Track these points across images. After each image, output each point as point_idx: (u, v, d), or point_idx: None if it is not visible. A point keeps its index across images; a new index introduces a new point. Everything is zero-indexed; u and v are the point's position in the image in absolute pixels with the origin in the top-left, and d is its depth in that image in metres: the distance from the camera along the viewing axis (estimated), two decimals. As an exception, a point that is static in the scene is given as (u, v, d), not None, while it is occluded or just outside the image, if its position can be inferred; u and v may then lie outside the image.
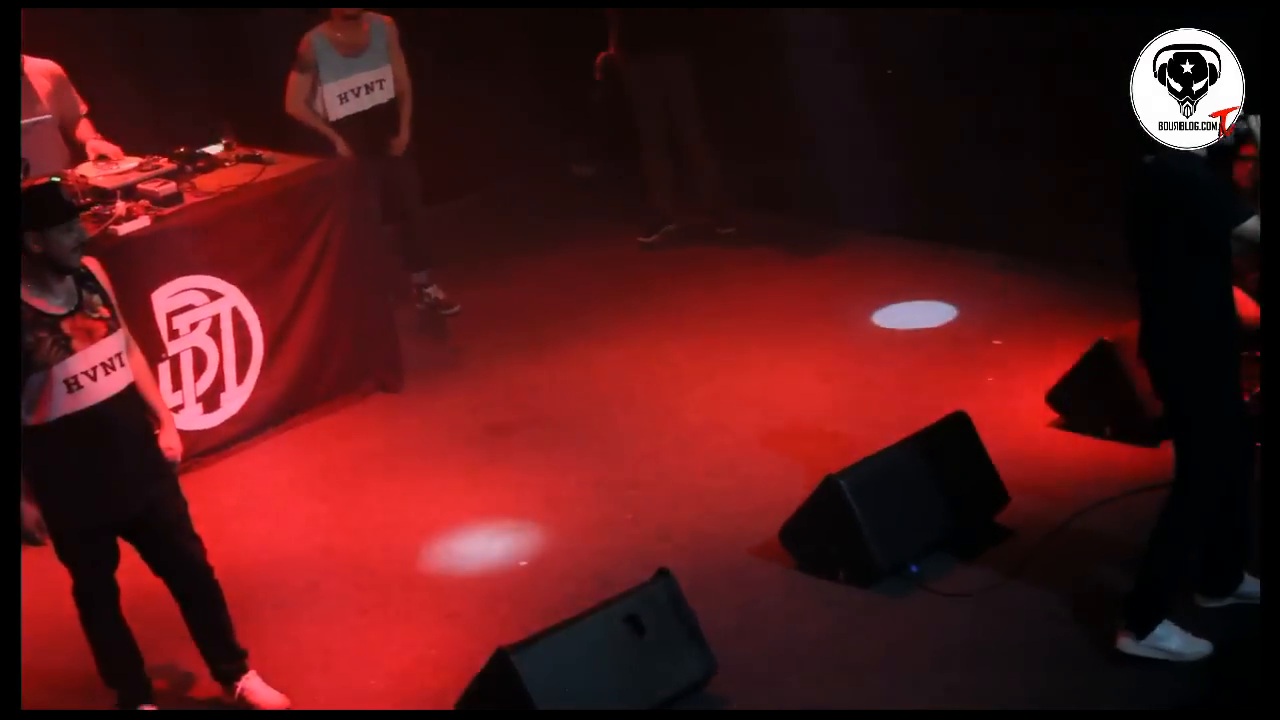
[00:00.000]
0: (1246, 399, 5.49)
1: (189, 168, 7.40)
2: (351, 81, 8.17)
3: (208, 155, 7.53)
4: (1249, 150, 6.07)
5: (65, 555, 5.30)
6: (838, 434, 6.96)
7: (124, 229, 6.81)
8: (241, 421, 7.36)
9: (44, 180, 6.20)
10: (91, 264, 5.23)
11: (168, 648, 5.72)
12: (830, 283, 8.71)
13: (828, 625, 5.74)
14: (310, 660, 5.82)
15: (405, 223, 8.61)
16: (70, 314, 5.07)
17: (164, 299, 7.00)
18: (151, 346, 6.69)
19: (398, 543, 6.54)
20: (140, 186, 7.06)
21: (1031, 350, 7.54)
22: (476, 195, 10.39)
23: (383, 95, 8.29)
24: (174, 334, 7.06)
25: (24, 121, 6.87)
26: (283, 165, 7.53)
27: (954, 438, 6.19)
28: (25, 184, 6.04)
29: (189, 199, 7.13)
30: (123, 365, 5.20)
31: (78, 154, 7.36)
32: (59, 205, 5.11)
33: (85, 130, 7.40)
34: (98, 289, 5.19)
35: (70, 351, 5.03)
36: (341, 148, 8.05)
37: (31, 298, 5.02)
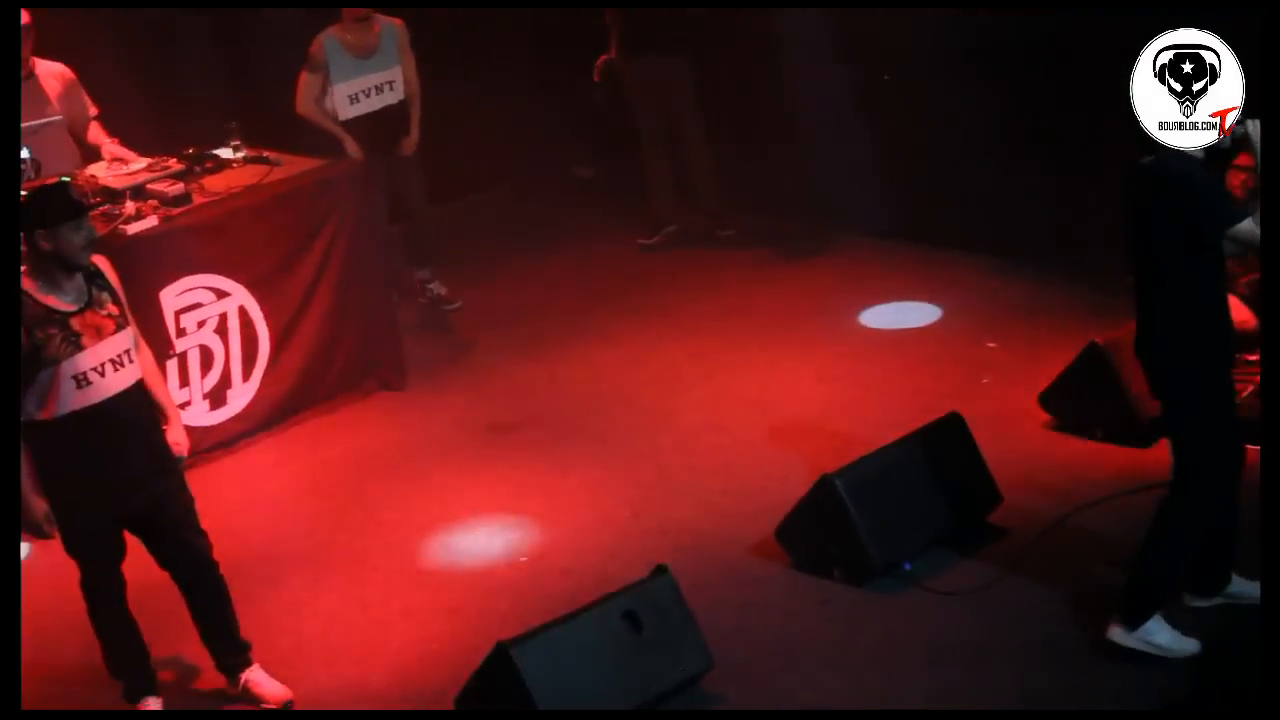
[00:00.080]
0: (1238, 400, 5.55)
1: (197, 168, 7.46)
2: (362, 82, 8.23)
3: (216, 156, 7.59)
4: (1244, 160, 6.13)
5: (72, 548, 5.34)
6: (835, 434, 7.01)
7: (133, 228, 6.86)
8: (247, 418, 7.42)
9: (54, 180, 6.28)
10: (101, 262, 5.27)
11: (173, 640, 5.76)
12: (828, 285, 8.75)
13: (824, 623, 5.78)
14: (313, 654, 5.87)
15: (411, 221, 8.68)
16: (80, 311, 5.11)
17: (172, 297, 7.06)
18: (159, 344, 6.75)
19: (400, 539, 6.59)
20: (149, 187, 7.12)
21: (1024, 352, 7.58)
22: (478, 197, 10.43)
23: (393, 96, 8.35)
24: (181, 332, 7.12)
25: (34, 123, 6.95)
26: (290, 167, 7.59)
27: (949, 438, 6.23)
28: (36, 184, 6.13)
29: (197, 199, 7.18)
30: (131, 362, 5.23)
31: (88, 155, 7.43)
32: (68, 203, 5.15)
33: (96, 132, 7.47)
34: (107, 287, 5.23)
35: (79, 348, 5.06)
36: (351, 147, 8.12)
37: (41, 294, 5.06)
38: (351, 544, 6.60)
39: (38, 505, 5.19)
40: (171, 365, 7.05)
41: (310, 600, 6.23)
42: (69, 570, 5.43)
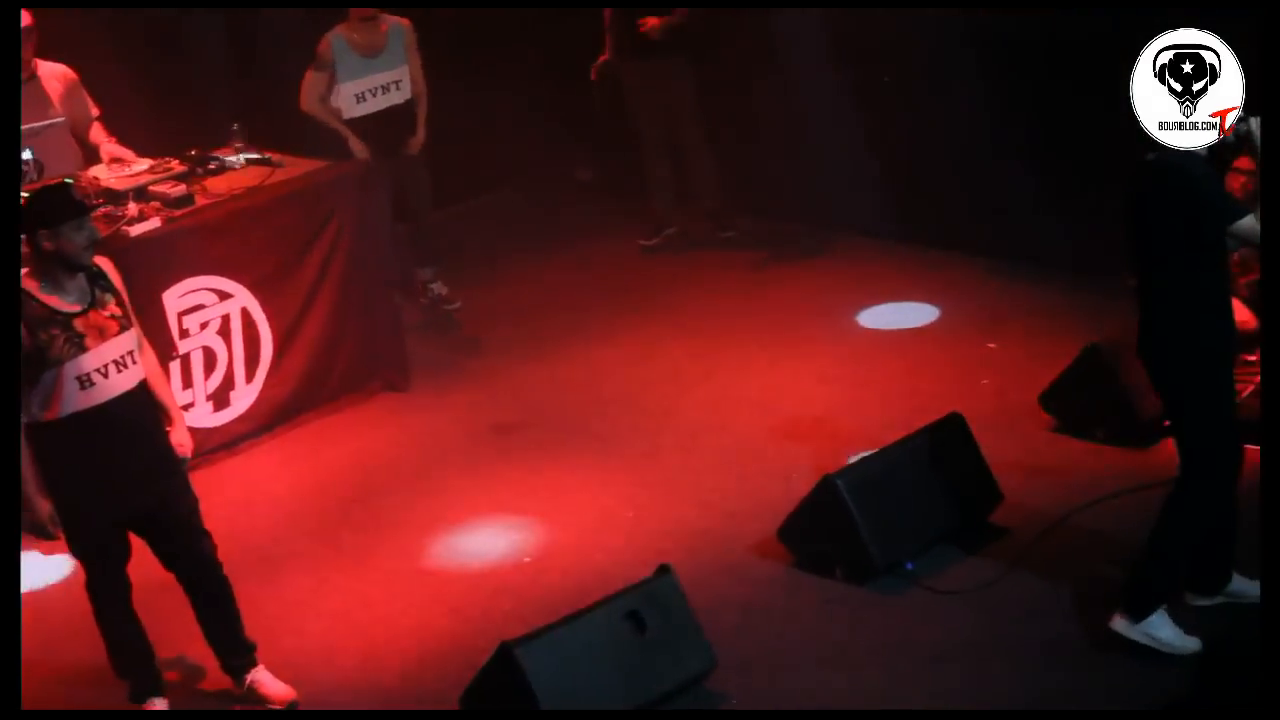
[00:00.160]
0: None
1: (200, 170, 7.47)
2: (369, 82, 8.24)
3: (218, 158, 7.60)
4: (1243, 164, 6.15)
5: (77, 549, 5.35)
6: (836, 434, 7.03)
7: (136, 230, 6.87)
8: (250, 419, 7.43)
9: (56, 181, 6.29)
10: (104, 263, 5.27)
11: (179, 641, 5.76)
12: (828, 286, 8.76)
13: (826, 622, 5.79)
14: (317, 654, 5.87)
15: (415, 221, 8.69)
16: (83, 312, 5.11)
17: (175, 299, 7.07)
18: (162, 345, 6.74)
19: (403, 539, 6.60)
20: (152, 188, 7.12)
21: (1024, 353, 7.59)
22: (479, 198, 10.44)
23: (399, 96, 8.36)
24: (184, 333, 7.13)
25: (37, 124, 6.96)
26: (292, 168, 7.60)
27: (950, 438, 6.24)
28: (38, 185, 6.14)
29: (200, 201, 7.19)
30: (134, 363, 5.23)
31: (90, 156, 7.44)
32: (70, 203, 5.15)
33: (98, 133, 7.47)
34: (110, 288, 5.22)
35: (83, 349, 5.06)
36: (356, 145, 8.13)
37: (44, 295, 5.06)
38: (355, 544, 6.61)
39: (42, 506, 5.19)
40: (174, 367, 7.07)
41: (314, 601, 6.24)
42: (74, 571, 5.45)
